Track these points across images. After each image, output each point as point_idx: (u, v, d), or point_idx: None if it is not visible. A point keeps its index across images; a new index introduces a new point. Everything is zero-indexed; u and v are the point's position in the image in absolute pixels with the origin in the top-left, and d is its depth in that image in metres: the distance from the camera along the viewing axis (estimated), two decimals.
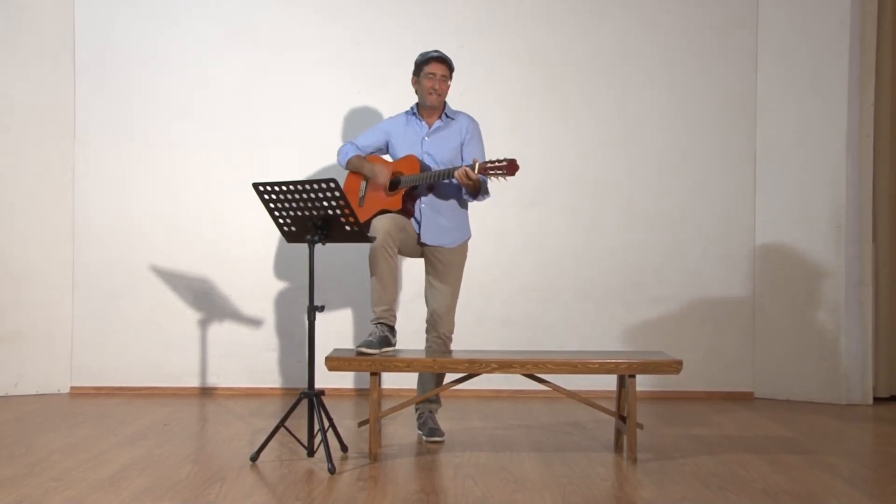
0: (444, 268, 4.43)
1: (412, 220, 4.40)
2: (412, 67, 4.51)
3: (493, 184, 4.32)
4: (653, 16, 5.83)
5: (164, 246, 5.78)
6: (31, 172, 5.67)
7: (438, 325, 4.43)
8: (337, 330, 5.68)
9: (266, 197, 4.00)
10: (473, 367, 4.10)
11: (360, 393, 5.73)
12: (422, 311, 4.52)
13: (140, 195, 5.79)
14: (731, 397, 5.75)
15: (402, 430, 4.66)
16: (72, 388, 5.76)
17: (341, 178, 4.45)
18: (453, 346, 4.52)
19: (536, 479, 3.72)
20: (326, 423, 3.94)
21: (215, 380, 5.78)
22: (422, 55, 4.48)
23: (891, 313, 5.69)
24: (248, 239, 5.78)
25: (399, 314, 4.34)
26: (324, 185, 3.85)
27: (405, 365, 4.14)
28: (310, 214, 3.96)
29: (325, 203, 3.89)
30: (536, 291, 5.81)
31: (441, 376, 4.49)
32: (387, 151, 4.58)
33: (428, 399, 4.47)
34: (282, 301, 5.81)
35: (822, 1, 5.60)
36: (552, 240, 5.82)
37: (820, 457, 4.15)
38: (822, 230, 5.62)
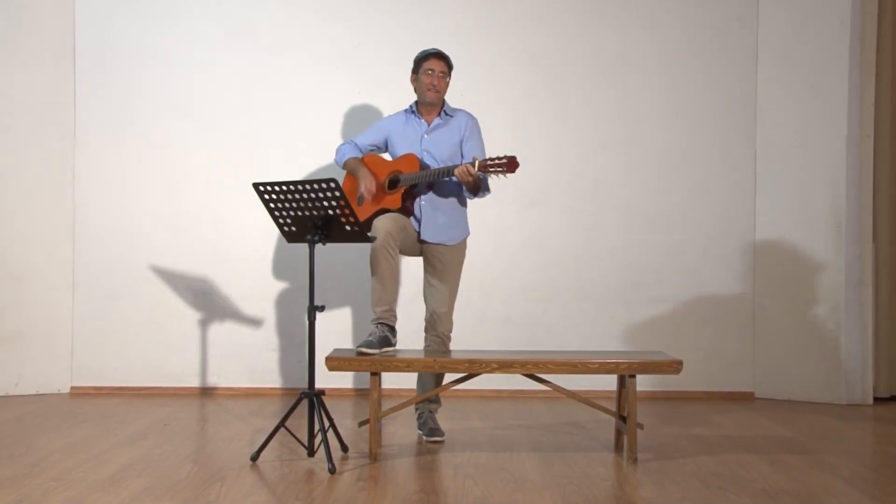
0: (444, 266, 4.43)
1: (412, 218, 4.40)
2: (412, 67, 4.51)
3: (494, 182, 4.33)
4: (653, 16, 5.83)
5: (165, 246, 5.78)
6: (31, 172, 5.67)
7: (437, 325, 4.43)
8: (337, 330, 5.68)
9: (266, 197, 4.00)
10: (474, 367, 4.10)
11: (360, 393, 5.73)
12: (421, 311, 4.52)
13: (140, 195, 5.79)
14: (732, 397, 5.75)
15: (402, 430, 4.66)
16: (72, 388, 5.76)
17: (340, 177, 4.45)
18: (453, 346, 4.52)
19: (536, 479, 3.72)
20: (327, 423, 3.94)
21: (215, 380, 5.78)
22: (421, 52, 4.49)
23: (891, 313, 5.69)
24: (248, 239, 5.78)
25: (399, 314, 4.34)
26: (324, 185, 3.84)
27: (405, 365, 4.14)
28: (310, 214, 3.96)
29: (326, 203, 3.89)
30: (536, 291, 5.81)
31: (441, 376, 4.49)
32: (386, 150, 4.58)
33: (428, 399, 4.47)
34: (282, 301, 5.81)
35: (823, 1, 5.60)
36: (552, 240, 5.82)
37: (820, 457, 4.15)
38: (823, 230, 5.62)
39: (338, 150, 4.59)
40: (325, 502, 3.39)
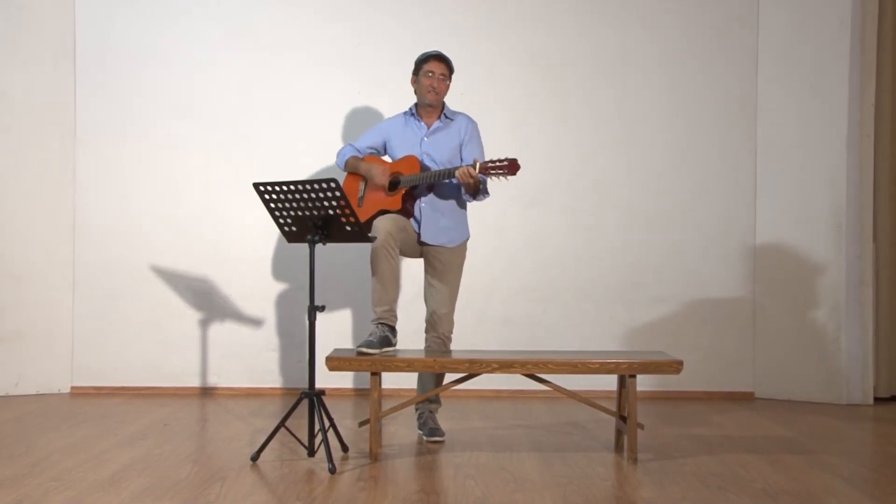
0: (444, 267, 4.43)
1: (412, 219, 4.40)
2: (412, 67, 4.51)
3: (494, 183, 4.32)
4: (653, 16, 5.83)
5: (165, 246, 5.78)
6: (31, 172, 5.68)
7: (438, 325, 4.43)
8: (337, 330, 5.68)
9: (266, 197, 4.00)
10: (474, 367, 4.10)
11: (360, 393, 5.73)
12: (421, 312, 4.52)
13: (140, 195, 5.79)
14: (732, 397, 5.75)
15: (402, 430, 4.66)
16: (72, 387, 5.76)
17: (341, 178, 4.45)
18: (453, 346, 4.52)
19: (537, 479, 3.72)
20: (327, 423, 3.94)
21: (216, 380, 5.78)
22: (422, 54, 4.49)
23: (891, 313, 5.69)
24: (248, 239, 5.78)
25: (399, 314, 4.34)
26: (324, 185, 3.84)
27: (405, 365, 4.14)
28: (310, 214, 3.96)
29: (326, 203, 3.89)
30: (536, 291, 5.81)
31: (441, 376, 4.49)
32: (385, 152, 4.58)
33: (428, 399, 4.47)
34: (282, 301, 5.81)
35: (823, 1, 5.60)
36: (552, 240, 5.82)
37: (820, 457, 4.15)
38: (823, 230, 5.62)
39: (338, 154, 4.61)
40: (326, 502, 3.39)
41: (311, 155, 5.72)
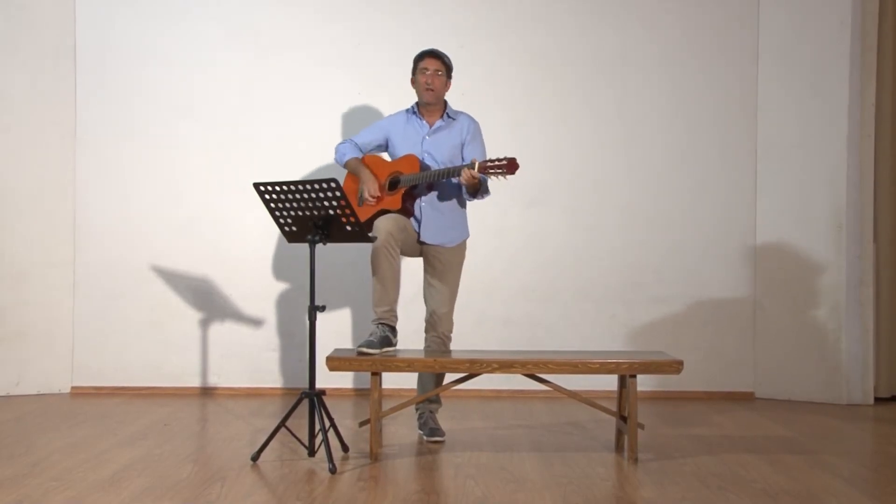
0: (444, 267, 4.43)
1: (412, 219, 4.40)
2: (412, 67, 4.51)
3: (493, 183, 4.32)
4: (653, 16, 5.83)
5: (165, 246, 5.78)
6: (31, 172, 5.67)
7: (438, 325, 4.43)
8: (337, 330, 5.68)
9: (267, 197, 4.00)
10: (474, 367, 4.10)
11: (360, 393, 5.73)
12: (422, 311, 4.52)
13: (140, 195, 5.79)
14: (732, 397, 5.75)
15: (402, 429, 4.66)
16: (72, 387, 5.76)
17: (341, 177, 4.45)
18: (453, 346, 4.52)
19: (537, 480, 3.72)
20: (327, 423, 3.94)
21: (216, 380, 5.78)
22: (417, 53, 4.49)
23: (892, 313, 5.69)
24: (248, 239, 5.78)
25: (399, 314, 4.33)
26: (324, 185, 3.84)
27: (406, 365, 4.14)
28: (310, 214, 3.96)
29: (326, 203, 3.89)
30: (537, 291, 5.81)
31: (441, 376, 4.49)
32: (386, 149, 4.58)
33: (428, 399, 4.47)
34: (282, 301, 5.81)
35: (823, 1, 5.60)
36: (552, 240, 5.82)
37: (820, 457, 4.15)
38: (823, 230, 5.62)
39: (337, 149, 4.58)
40: (326, 502, 3.39)
41: (311, 155, 5.71)
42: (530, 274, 5.82)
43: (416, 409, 4.59)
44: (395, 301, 4.28)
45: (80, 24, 5.78)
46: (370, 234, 4.11)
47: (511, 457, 4.11)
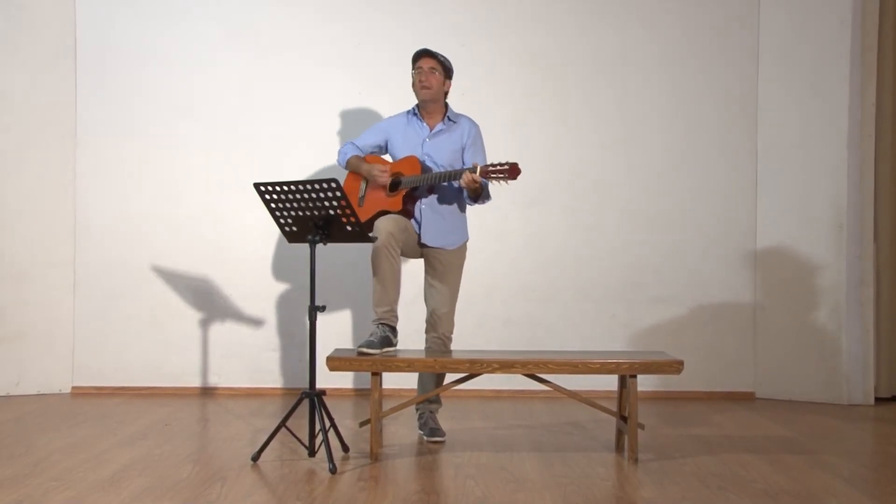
0: (444, 268, 4.43)
1: (412, 220, 4.40)
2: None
3: (493, 186, 4.32)
4: (653, 16, 5.83)
5: (165, 246, 5.78)
6: (32, 172, 5.68)
7: (438, 326, 4.43)
8: (338, 330, 5.68)
9: (267, 197, 4.00)
10: (475, 368, 4.10)
11: (360, 393, 5.73)
12: (422, 312, 4.52)
13: (141, 195, 5.79)
14: (732, 397, 5.75)
15: (402, 430, 4.66)
16: (73, 387, 5.76)
17: (341, 178, 4.45)
18: (454, 346, 4.52)
19: (537, 480, 3.72)
20: (327, 423, 3.94)
21: (216, 380, 5.78)
22: (413, 55, 4.48)
23: (892, 313, 5.69)
24: (248, 239, 5.78)
25: (400, 314, 4.33)
26: (325, 185, 3.84)
27: (406, 365, 4.14)
28: (311, 214, 3.96)
29: (327, 203, 3.89)
30: (537, 291, 5.81)
31: (441, 376, 4.49)
32: (386, 151, 4.58)
33: (429, 399, 4.47)
34: (283, 301, 5.81)
35: (824, 0, 5.60)
36: (552, 240, 5.82)
37: (820, 457, 4.15)
38: (824, 230, 5.62)
39: (339, 152, 4.60)
40: (326, 502, 3.39)
41: (312, 155, 5.71)
42: (530, 274, 5.82)
43: (417, 410, 4.59)
44: (395, 301, 4.28)
45: (80, 24, 5.78)
46: (370, 235, 4.11)
47: (511, 457, 4.11)
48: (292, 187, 3.91)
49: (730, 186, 5.82)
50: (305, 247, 4.02)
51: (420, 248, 4.44)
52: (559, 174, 5.83)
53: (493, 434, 4.65)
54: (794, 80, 5.69)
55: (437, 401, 4.56)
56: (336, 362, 4.09)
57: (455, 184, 4.29)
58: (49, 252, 5.71)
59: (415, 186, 4.34)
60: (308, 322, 4.01)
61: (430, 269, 4.46)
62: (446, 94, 4.50)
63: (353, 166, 4.50)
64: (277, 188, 3.95)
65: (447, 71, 4.46)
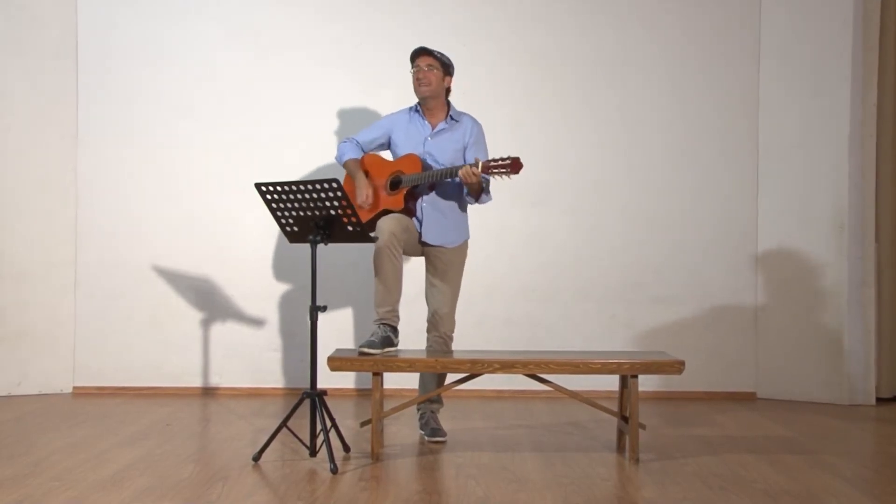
0: (445, 267, 4.43)
1: (413, 218, 4.40)
2: None
3: (495, 183, 4.32)
4: (653, 16, 5.83)
5: (166, 246, 5.78)
6: (33, 172, 5.68)
7: (439, 325, 4.43)
8: (339, 330, 5.69)
9: (268, 197, 4.00)
10: (476, 368, 4.10)
11: (361, 393, 5.73)
12: (423, 311, 4.52)
13: (142, 195, 5.79)
14: (734, 397, 5.75)
15: (404, 430, 4.66)
16: (74, 387, 5.76)
17: (341, 176, 4.45)
18: (455, 346, 4.52)
19: (538, 480, 3.72)
20: (328, 423, 3.94)
21: (217, 380, 5.78)
22: (410, 55, 4.48)
23: (893, 314, 5.69)
24: (249, 239, 5.78)
25: (401, 314, 4.33)
26: (326, 185, 3.85)
27: (407, 365, 4.13)
28: (312, 214, 3.96)
29: (328, 203, 3.89)
30: (537, 291, 5.81)
31: (443, 376, 4.49)
32: (388, 148, 4.57)
33: (430, 399, 4.47)
34: (284, 301, 5.81)
35: (824, 0, 5.60)
36: (553, 240, 5.82)
37: (821, 457, 4.15)
38: (825, 230, 5.61)
39: (339, 148, 4.58)
40: (327, 502, 3.39)
41: (312, 155, 5.71)
42: (531, 274, 5.82)
43: (418, 410, 4.59)
44: (397, 301, 4.28)
45: (81, 24, 5.78)
46: (372, 235, 4.11)
47: (512, 457, 4.11)
48: (293, 187, 3.91)
49: (730, 186, 5.81)
50: (306, 247, 4.02)
51: (421, 247, 4.44)
52: (559, 174, 5.83)
53: (495, 434, 4.65)
54: (795, 79, 5.68)
55: (438, 401, 4.56)
56: (337, 362, 4.09)
57: (456, 180, 4.28)
58: (50, 252, 5.71)
59: (415, 185, 4.33)
60: (309, 322, 4.01)
61: (430, 268, 4.46)
62: (448, 91, 4.49)
63: (349, 171, 4.47)
64: (278, 188, 3.95)
65: (446, 67, 4.45)
